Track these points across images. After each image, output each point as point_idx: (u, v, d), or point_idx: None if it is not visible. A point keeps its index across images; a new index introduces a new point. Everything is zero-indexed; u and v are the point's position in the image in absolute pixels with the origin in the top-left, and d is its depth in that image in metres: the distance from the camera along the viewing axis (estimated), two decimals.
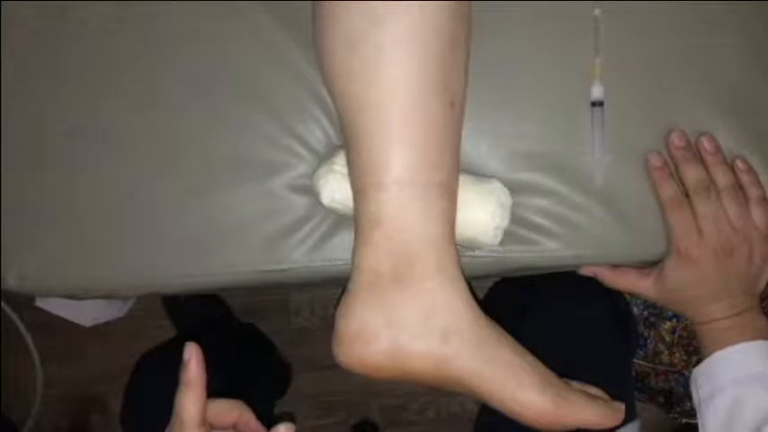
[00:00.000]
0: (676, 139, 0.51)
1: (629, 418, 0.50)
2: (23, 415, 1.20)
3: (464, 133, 0.44)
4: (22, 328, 1.17)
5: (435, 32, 0.39)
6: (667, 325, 0.97)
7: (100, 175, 0.51)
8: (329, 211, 0.50)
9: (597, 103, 0.51)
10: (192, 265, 0.51)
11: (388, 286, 0.40)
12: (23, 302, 1.14)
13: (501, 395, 0.42)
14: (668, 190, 0.50)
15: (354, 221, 0.42)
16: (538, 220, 0.52)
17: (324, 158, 0.49)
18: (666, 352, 0.98)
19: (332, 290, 1.11)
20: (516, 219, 0.51)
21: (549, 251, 0.52)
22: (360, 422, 1.23)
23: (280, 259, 0.51)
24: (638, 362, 1.01)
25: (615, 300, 0.62)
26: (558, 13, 0.51)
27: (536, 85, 0.52)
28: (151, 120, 0.51)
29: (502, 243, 0.49)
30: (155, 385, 0.58)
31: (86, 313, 1.13)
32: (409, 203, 0.40)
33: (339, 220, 0.51)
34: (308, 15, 0.44)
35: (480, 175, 0.50)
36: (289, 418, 0.48)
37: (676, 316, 0.96)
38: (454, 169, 0.42)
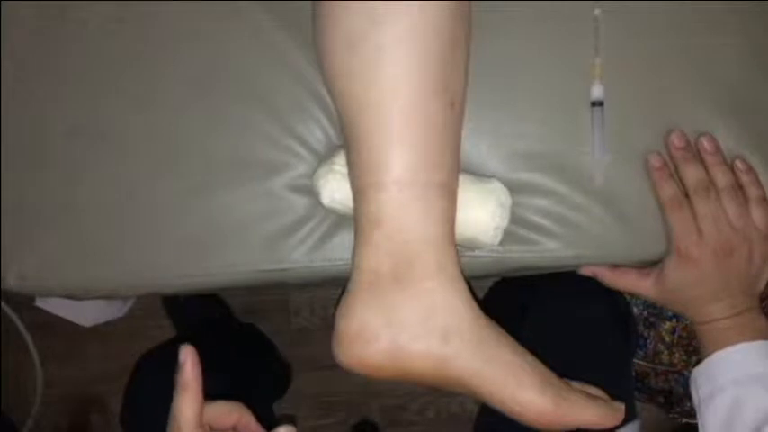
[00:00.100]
0: (676, 140, 0.51)
1: (629, 418, 0.50)
2: (23, 415, 1.20)
3: (464, 133, 0.44)
4: (22, 328, 1.17)
5: (435, 32, 0.39)
6: (667, 325, 0.97)
7: (100, 175, 0.51)
8: (329, 211, 0.50)
9: (597, 103, 0.51)
10: (192, 265, 0.51)
11: (388, 286, 0.40)
12: (23, 302, 1.14)
13: (501, 395, 0.42)
14: (668, 190, 0.50)
15: (354, 221, 0.42)
16: (538, 220, 0.52)
17: (324, 158, 0.49)
18: (666, 352, 0.98)
19: (332, 290, 1.11)
20: (516, 219, 0.51)
21: (549, 251, 0.52)
22: (360, 422, 1.23)
23: (280, 259, 0.51)
24: (638, 362, 1.01)
25: (615, 300, 0.62)
26: (558, 13, 0.51)
27: (536, 85, 0.52)
28: (151, 120, 0.51)
29: (502, 243, 0.49)
30: (155, 385, 0.58)
31: (86, 313, 1.13)
32: (409, 203, 0.40)
33: (339, 220, 0.51)
34: (308, 15, 0.44)
35: (480, 175, 0.50)
36: (289, 419, 0.49)
37: (676, 316, 0.96)
38: (454, 169, 0.43)
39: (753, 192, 0.51)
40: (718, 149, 0.51)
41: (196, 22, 0.51)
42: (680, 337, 0.97)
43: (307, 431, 1.19)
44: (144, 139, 0.51)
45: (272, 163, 0.51)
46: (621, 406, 0.45)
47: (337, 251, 0.51)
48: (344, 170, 0.45)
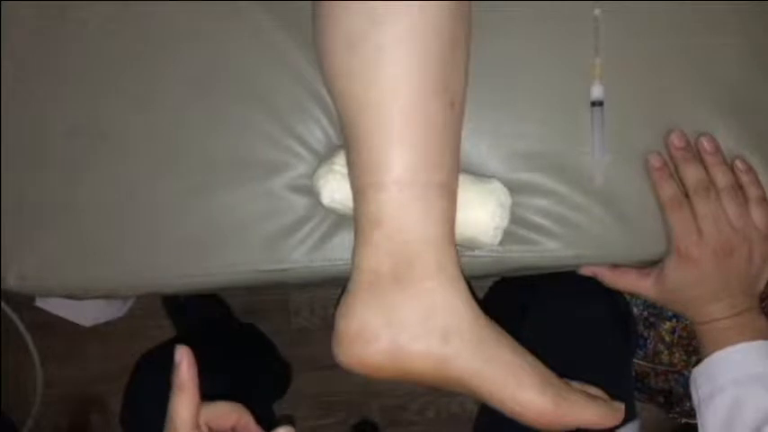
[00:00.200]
0: (676, 140, 0.51)
1: (628, 417, 0.50)
2: (23, 415, 1.20)
3: (464, 133, 0.44)
4: (22, 328, 1.17)
5: (435, 32, 0.39)
6: (667, 325, 0.97)
7: (100, 175, 0.51)
8: (329, 211, 0.50)
9: (597, 103, 0.51)
10: (192, 265, 0.51)
11: (388, 286, 0.40)
12: (23, 302, 1.14)
13: (501, 395, 0.42)
14: (668, 190, 0.50)
15: (354, 221, 0.42)
16: (538, 220, 0.52)
17: (324, 158, 0.49)
18: (666, 352, 0.98)
19: (332, 290, 1.11)
20: (516, 219, 0.51)
21: (549, 251, 0.52)
22: (360, 422, 1.23)
23: (280, 259, 0.51)
24: (638, 362, 1.01)
25: (615, 300, 0.62)
26: (558, 13, 0.51)
27: (536, 85, 0.52)
28: (151, 120, 0.51)
29: (502, 243, 0.49)
30: (155, 385, 0.57)
31: (86, 313, 1.14)
32: (409, 203, 0.40)
33: (339, 220, 0.51)
34: (308, 15, 0.44)
35: (480, 175, 0.50)
36: (288, 420, 0.49)
37: (676, 316, 0.96)
38: (454, 169, 0.43)
39: (753, 192, 0.51)
40: (718, 149, 0.51)
41: (196, 22, 0.51)
42: (680, 337, 0.97)
43: (306, 431, 1.19)
44: (144, 139, 0.51)
45: (272, 163, 0.51)
46: (621, 406, 0.45)
47: (337, 251, 0.51)
48: (344, 170, 0.45)
